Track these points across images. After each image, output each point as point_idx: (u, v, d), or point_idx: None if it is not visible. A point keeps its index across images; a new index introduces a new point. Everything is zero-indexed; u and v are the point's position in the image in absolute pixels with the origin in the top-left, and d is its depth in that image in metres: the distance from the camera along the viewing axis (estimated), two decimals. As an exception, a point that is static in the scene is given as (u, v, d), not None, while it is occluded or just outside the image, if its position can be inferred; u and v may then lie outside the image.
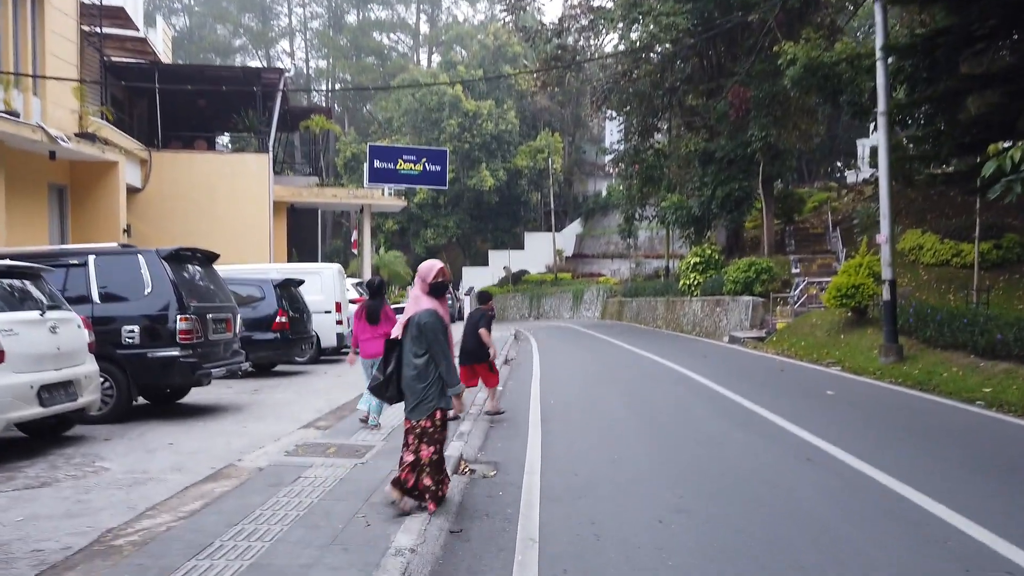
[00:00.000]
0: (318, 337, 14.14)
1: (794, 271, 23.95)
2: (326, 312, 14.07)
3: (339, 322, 14.20)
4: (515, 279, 57.52)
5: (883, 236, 13.49)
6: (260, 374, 12.64)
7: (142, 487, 5.33)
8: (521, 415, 8.94)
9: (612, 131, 47.50)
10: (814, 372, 13.06)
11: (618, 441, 7.46)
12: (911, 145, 16.88)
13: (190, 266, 8.81)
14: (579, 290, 50.36)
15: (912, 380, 11.58)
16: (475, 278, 58.95)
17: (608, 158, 38.96)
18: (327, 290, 14.22)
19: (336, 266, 14.84)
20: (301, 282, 12.86)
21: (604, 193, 59.92)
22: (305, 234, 30.10)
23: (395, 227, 57.26)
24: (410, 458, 4.82)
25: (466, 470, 6.06)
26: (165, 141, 23.54)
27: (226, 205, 23.16)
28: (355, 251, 32.51)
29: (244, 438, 7.14)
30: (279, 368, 13.28)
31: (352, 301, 16.65)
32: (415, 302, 4.93)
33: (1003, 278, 18.64)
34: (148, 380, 7.99)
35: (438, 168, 29.21)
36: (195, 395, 9.44)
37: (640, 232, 52.38)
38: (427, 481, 4.78)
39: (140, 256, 8.03)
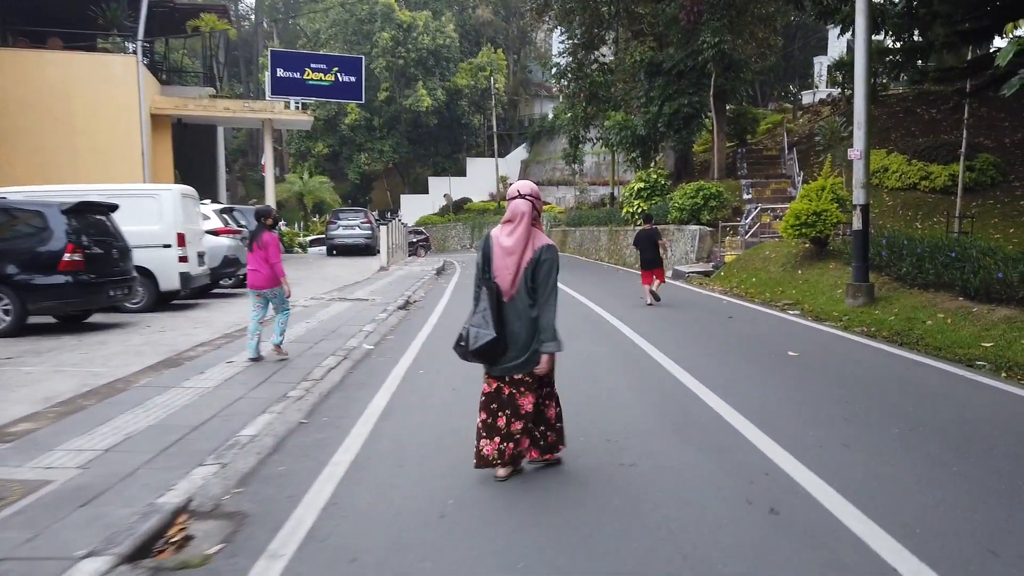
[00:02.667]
0: (155, 278, 11.13)
1: (746, 197, 21.55)
2: (164, 246, 11.02)
3: (183, 258, 11.17)
4: (456, 208, 54.28)
5: (856, 151, 10.98)
6: (65, 327, 9.67)
7: None
8: (369, 390, 6.33)
9: (558, 47, 43.81)
10: (768, 319, 10.71)
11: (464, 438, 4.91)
12: (891, 36, 14.17)
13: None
14: (522, 219, 47.49)
15: (889, 329, 9.30)
16: (414, 206, 55.45)
17: (551, 73, 35.45)
18: (166, 218, 11.12)
19: (178, 187, 11.64)
20: (113, 207, 9.74)
21: (551, 116, 56.38)
22: (203, 155, 26.34)
23: (325, 151, 53.01)
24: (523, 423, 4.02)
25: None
26: (4, 37, 19.41)
27: (86, 116, 19.41)
28: (264, 174, 28.86)
29: None
30: (95, 319, 10.31)
31: (216, 232, 13.56)
32: (528, 235, 3.96)
33: (976, 204, 16.54)
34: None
35: (352, 79, 25.53)
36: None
37: (587, 157, 49.43)
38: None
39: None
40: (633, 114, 25.99)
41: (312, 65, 25.13)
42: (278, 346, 7.63)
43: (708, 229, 19.74)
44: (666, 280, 13.45)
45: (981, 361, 7.51)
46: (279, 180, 50.18)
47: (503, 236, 3.99)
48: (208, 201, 15.82)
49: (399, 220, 52.02)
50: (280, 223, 24.19)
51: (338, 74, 25.28)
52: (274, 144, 65.56)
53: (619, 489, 3.91)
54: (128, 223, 10.33)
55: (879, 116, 22.73)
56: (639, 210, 24.76)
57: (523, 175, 58.85)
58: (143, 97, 20.03)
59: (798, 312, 11.36)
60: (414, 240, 38.54)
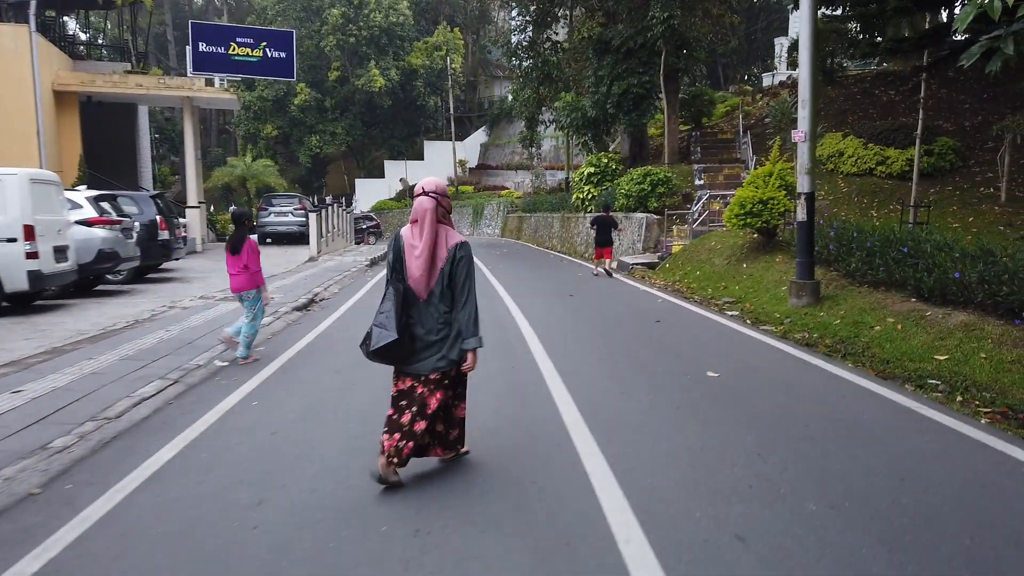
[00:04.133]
0: (-3, 279, 9.53)
1: (697, 183, 20.40)
2: (8, 240, 9.43)
3: (32, 255, 9.57)
4: (412, 192, 52.42)
5: (801, 132, 9.79)
6: None
7: None
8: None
9: (511, 24, 42.18)
10: (701, 323, 9.50)
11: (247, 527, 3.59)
12: (847, 6, 12.96)
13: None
14: (479, 204, 46.11)
15: (833, 336, 8.15)
16: (370, 191, 53.55)
17: (500, 50, 33.91)
18: (10, 208, 9.50)
19: (26, 171, 9.96)
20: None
21: (510, 98, 54.80)
22: (120, 138, 24.39)
23: (275, 132, 50.77)
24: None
25: None
26: None
27: (-31, 92, 17.51)
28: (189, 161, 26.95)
29: None
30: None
31: (88, 222, 11.92)
32: (442, 234, 3.89)
33: (935, 190, 15.58)
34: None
35: (283, 55, 23.70)
36: None
37: (545, 141, 48.05)
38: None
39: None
40: (583, 94, 24.66)
41: (238, 39, 23.25)
42: (244, 358, 7.27)
43: (656, 217, 18.56)
44: (611, 258, 15.58)
45: (934, 379, 6.38)
46: (222, 163, 47.95)
47: (412, 237, 3.91)
48: (84, 187, 14.14)
49: (354, 206, 50.27)
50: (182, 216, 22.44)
51: (267, 49, 23.44)
52: (223, 125, 62.97)
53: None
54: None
55: (835, 98, 21.71)
56: (589, 196, 23.54)
57: (482, 159, 57.25)
58: (37, 71, 18.14)
59: (737, 313, 10.18)
60: (364, 227, 36.86)
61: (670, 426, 4.90)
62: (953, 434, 4.76)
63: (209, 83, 22.95)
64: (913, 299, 8.55)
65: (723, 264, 13.49)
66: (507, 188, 48.99)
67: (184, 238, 20.87)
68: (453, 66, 52.26)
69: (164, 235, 14.30)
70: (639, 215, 18.85)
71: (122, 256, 12.09)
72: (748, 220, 12.46)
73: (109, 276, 13.15)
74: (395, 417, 3.92)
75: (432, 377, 3.91)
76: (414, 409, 3.89)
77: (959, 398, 5.89)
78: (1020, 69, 18.52)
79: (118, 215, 12.55)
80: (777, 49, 36.52)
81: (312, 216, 20.83)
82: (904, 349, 7.29)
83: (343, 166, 60.52)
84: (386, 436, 3.90)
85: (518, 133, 45.27)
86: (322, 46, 49.13)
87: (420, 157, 55.16)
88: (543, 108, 32.73)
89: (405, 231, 3.96)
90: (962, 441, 4.63)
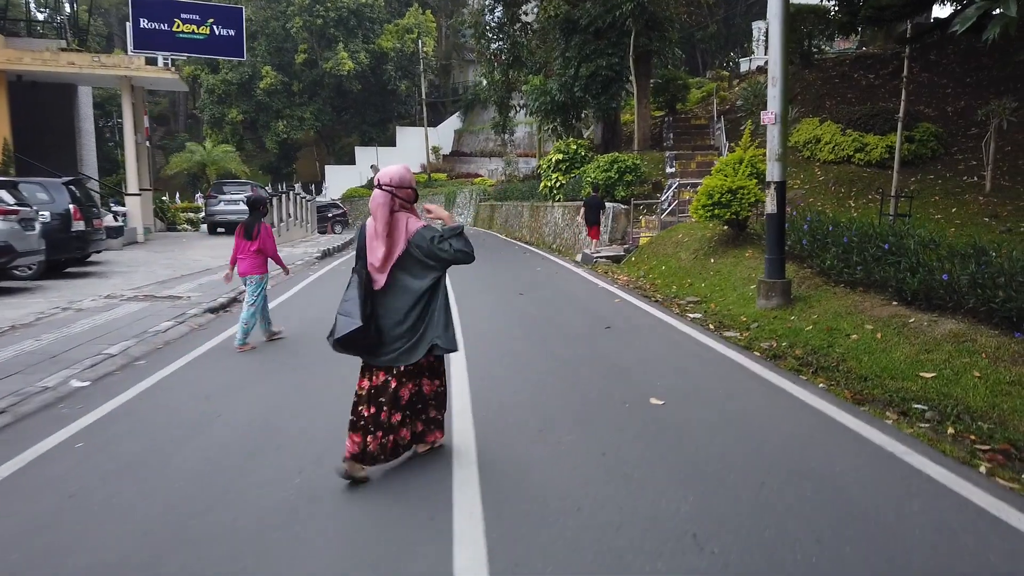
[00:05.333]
0: None
1: (669, 170, 19.34)
2: None
3: None
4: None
5: (771, 113, 8.71)
6: None
7: None
8: None
9: (479, 4, 40.73)
10: (658, 330, 8.42)
11: None
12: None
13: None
14: (452, 192, 44.79)
15: (803, 345, 7.12)
16: (340, 178, 51.97)
17: (469, 31, 32.57)
18: None
19: None
20: None
21: (484, 82, 53.40)
22: (57, 120, 22.83)
23: (240, 117, 48.99)
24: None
25: None
26: None
27: None
28: (147, 142, 25.44)
29: None
30: None
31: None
32: (401, 223, 3.83)
33: (915, 179, 14.63)
34: None
35: (231, 32, 22.22)
36: None
37: (519, 128, 46.79)
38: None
39: None
40: (551, 77, 23.47)
41: (182, 15, 21.74)
42: (242, 345, 7.33)
43: (623, 207, 17.48)
44: (598, 238, 16.38)
45: (920, 404, 5.36)
46: (180, 149, 46.20)
47: (373, 229, 3.87)
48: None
49: (324, 193, 48.70)
50: (119, 207, 21.06)
51: (214, 26, 21.95)
52: (191, 110, 60.71)
53: None
54: None
55: (813, 82, 20.73)
56: (558, 184, 22.42)
57: (456, 145, 55.85)
58: (-51, 46, 16.61)
59: (700, 315, 9.13)
60: (330, 215, 35.38)
61: (587, 486, 3.78)
62: (951, 498, 3.68)
63: (151, 62, 21.46)
64: (895, 302, 7.54)
65: (690, 259, 12.45)
66: (481, 176, 47.70)
67: (121, 228, 19.51)
68: (425, 49, 50.71)
69: (79, 226, 12.97)
70: (606, 204, 17.75)
71: (18, 250, 10.78)
72: (716, 211, 11.41)
73: (16, 272, 11.83)
74: (375, 414, 3.83)
75: (402, 369, 3.87)
76: (390, 405, 3.85)
77: (950, 430, 4.86)
78: (1008, 49, 17.65)
79: (18, 204, 11.21)
80: (755, 33, 35.46)
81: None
82: (884, 363, 6.27)
83: (315, 152, 58.83)
84: (371, 438, 3.80)
85: (491, 119, 44.01)
86: (288, 27, 47.42)
87: (392, 143, 53.66)
88: (513, 93, 31.52)
89: (369, 222, 3.91)
90: (963, 510, 3.55)
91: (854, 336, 7.05)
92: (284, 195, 23.44)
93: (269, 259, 7.60)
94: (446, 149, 54.92)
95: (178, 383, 6.10)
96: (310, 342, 7.63)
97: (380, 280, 3.82)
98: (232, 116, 48.79)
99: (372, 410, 3.84)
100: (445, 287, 3.97)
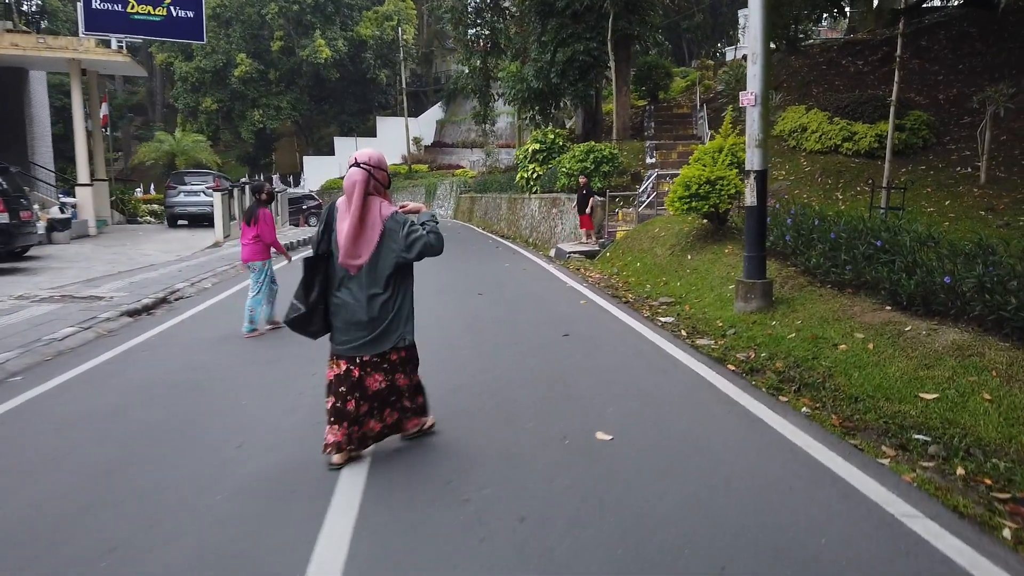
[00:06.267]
0: None
1: (649, 161, 18.45)
2: None
3: None
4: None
5: (751, 94, 7.79)
6: None
7: None
8: None
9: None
10: (623, 338, 7.48)
11: None
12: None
13: None
14: (432, 184, 43.77)
15: (784, 356, 6.24)
16: (319, 169, 50.74)
17: (446, 16, 31.52)
18: None
19: None
20: None
21: (466, 71, 52.24)
22: (7, 106, 21.60)
23: (215, 106, 47.61)
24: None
25: None
26: None
27: None
28: (105, 129, 24.25)
29: None
30: None
31: None
32: (375, 206, 3.72)
33: (906, 170, 13.80)
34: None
35: (190, 14, 21.03)
36: None
37: (500, 118, 45.73)
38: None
39: None
40: (527, 63, 22.48)
41: (137, -5, 20.53)
42: (249, 332, 7.36)
43: (600, 199, 16.56)
44: (592, 228, 15.70)
45: (921, 434, 4.48)
46: (148, 139, 44.76)
47: (344, 209, 3.71)
48: None
49: (302, 184, 47.48)
50: (71, 202, 19.87)
51: (171, 7, 20.75)
52: (168, 99, 59.14)
53: None
54: None
55: (799, 68, 19.86)
56: (535, 175, 21.49)
57: (438, 136, 54.72)
58: None
59: (673, 319, 8.23)
60: (304, 207, 34.20)
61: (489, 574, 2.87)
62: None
63: (105, 45, 20.27)
64: (888, 307, 6.67)
65: (666, 255, 11.56)
66: (462, 167, 46.63)
67: (68, 220, 18.38)
68: (405, 37, 49.49)
69: (3, 218, 11.92)
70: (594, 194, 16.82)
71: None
72: (694, 204, 10.50)
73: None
74: (339, 405, 3.73)
75: (365, 359, 3.76)
76: (356, 394, 3.73)
77: (960, 470, 3.99)
78: (1001, 34, 16.83)
79: (-76, 195, 10.15)
80: (742, 21, 34.58)
81: (218, 196, 18.43)
82: (878, 381, 5.39)
83: (294, 143, 57.47)
84: (335, 428, 3.74)
85: (472, 109, 43.01)
86: (264, 14, 46.07)
87: (372, 134, 52.43)
88: (491, 81, 30.53)
89: (341, 202, 3.78)
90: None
91: (842, 346, 6.17)
92: (244, 187, 22.35)
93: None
94: (428, 140, 53.79)
95: (42, 408, 5.12)
96: (246, 342, 6.65)
97: (352, 267, 3.68)
98: (207, 105, 47.43)
99: (333, 400, 3.75)
100: (412, 279, 3.88)
